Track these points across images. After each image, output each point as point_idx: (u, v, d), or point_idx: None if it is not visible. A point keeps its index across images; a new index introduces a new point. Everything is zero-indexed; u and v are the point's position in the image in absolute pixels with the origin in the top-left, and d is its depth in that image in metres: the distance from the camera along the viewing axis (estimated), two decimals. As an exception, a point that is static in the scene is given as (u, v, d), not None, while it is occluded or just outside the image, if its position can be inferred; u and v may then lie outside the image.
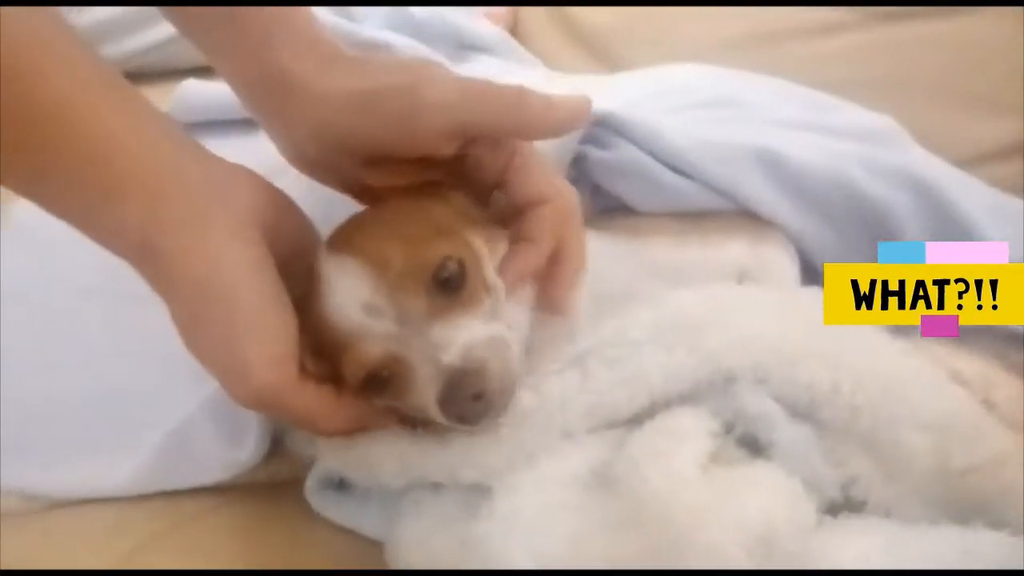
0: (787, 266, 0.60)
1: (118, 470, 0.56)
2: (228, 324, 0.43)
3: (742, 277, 0.59)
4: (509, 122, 0.49)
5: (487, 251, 0.50)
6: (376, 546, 0.49)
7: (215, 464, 0.56)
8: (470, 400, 0.43)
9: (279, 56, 0.49)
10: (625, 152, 0.62)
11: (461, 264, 0.47)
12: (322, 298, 0.47)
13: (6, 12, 0.39)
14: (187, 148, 0.46)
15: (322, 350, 0.47)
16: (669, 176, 0.60)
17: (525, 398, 0.46)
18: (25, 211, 0.70)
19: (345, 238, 0.49)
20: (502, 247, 0.51)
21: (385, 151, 0.49)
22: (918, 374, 0.47)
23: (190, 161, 0.45)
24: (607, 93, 0.82)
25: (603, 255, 0.56)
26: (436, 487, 0.48)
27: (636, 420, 0.46)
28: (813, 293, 0.52)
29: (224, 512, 0.54)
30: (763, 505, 0.38)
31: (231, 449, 0.55)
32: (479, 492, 0.45)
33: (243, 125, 0.78)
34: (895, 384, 0.45)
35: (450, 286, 0.46)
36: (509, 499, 0.42)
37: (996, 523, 0.43)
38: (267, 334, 0.44)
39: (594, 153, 0.62)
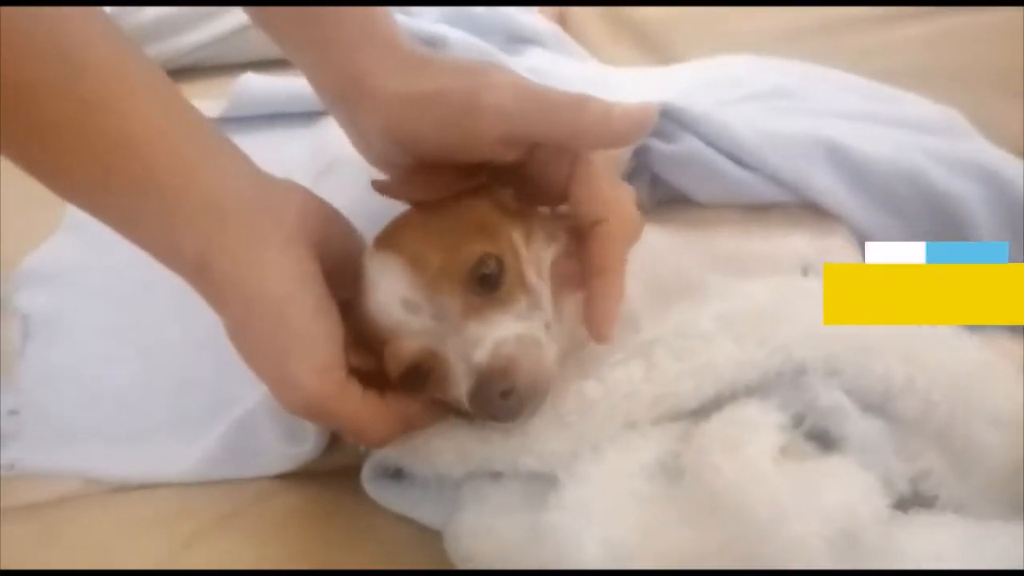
0: (851, 260, 0.59)
1: (182, 458, 0.56)
2: (275, 337, 0.45)
3: (806, 270, 0.58)
4: (567, 130, 0.48)
5: (526, 251, 0.50)
6: (435, 534, 0.49)
7: (276, 456, 0.56)
8: (499, 397, 0.44)
9: (362, 60, 0.50)
10: (688, 144, 0.61)
11: (499, 262, 0.47)
12: (366, 295, 0.48)
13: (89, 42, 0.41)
14: (241, 165, 0.47)
15: (367, 345, 0.48)
16: (732, 168, 0.60)
17: (589, 388, 0.46)
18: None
19: (388, 237, 0.50)
20: (560, 242, 0.52)
21: (446, 155, 0.49)
22: (991, 369, 0.46)
23: (244, 179, 0.46)
24: (662, 84, 0.81)
25: (665, 246, 0.56)
26: (496, 477, 0.47)
27: (702, 412, 0.45)
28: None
29: (285, 498, 0.54)
30: (842, 498, 0.38)
31: (291, 445, 0.56)
32: (541, 482, 0.45)
33: (302, 118, 0.79)
34: (969, 380, 0.44)
35: (487, 284, 0.46)
36: (579, 489, 0.42)
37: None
38: (312, 345, 0.45)
39: (657, 145, 0.62)
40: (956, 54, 0.82)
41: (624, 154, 0.61)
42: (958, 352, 0.46)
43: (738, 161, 0.60)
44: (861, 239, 0.59)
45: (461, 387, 0.45)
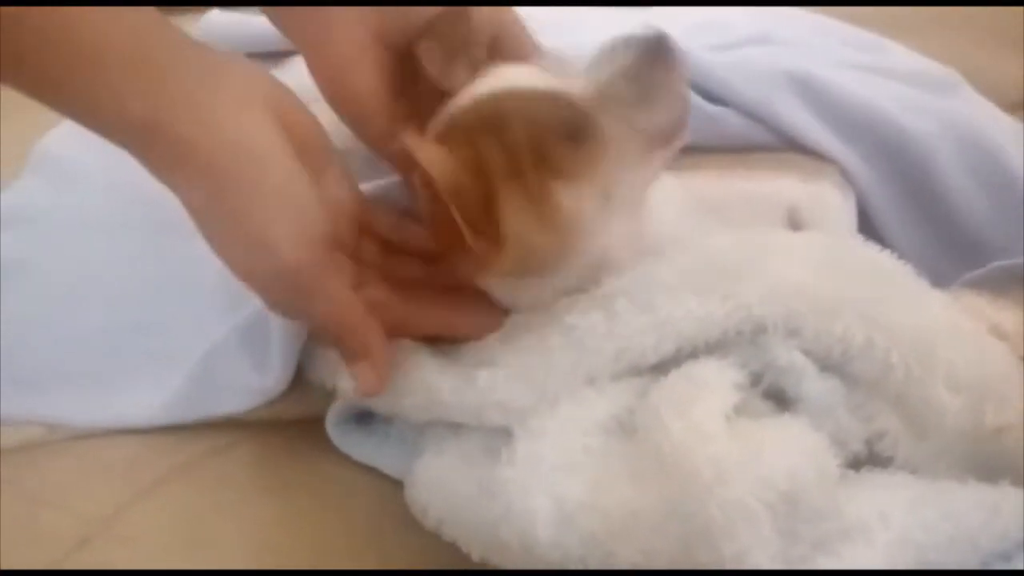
0: (841, 205, 0.58)
1: (148, 401, 0.56)
2: (251, 197, 0.42)
3: (793, 214, 0.57)
4: None
5: None
6: (396, 485, 0.49)
7: (242, 391, 0.55)
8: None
9: None
10: None
11: None
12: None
13: None
14: (179, 32, 0.44)
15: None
16: (702, 102, 0.59)
17: (553, 339, 0.46)
18: (55, 144, 0.70)
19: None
20: None
21: None
22: (956, 330, 0.46)
23: (192, 46, 0.43)
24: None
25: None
26: (457, 427, 0.47)
27: (660, 368, 0.45)
28: (858, 240, 0.52)
29: (245, 446, 0.54)
30: (788, 462, 0.38)
31: (258, 375, 0.55)
32: (501, 436, 0.45)
33: (268, 57, 0.77)
34: (931, 341, 0.44)
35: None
36: (530, 443, 0.41)
37: (1025, 481, 0.43)
38: (296, 211, 0.42)
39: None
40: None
41: None
42: (920, 313, 0.46)
43: (706, 94, 0.59)
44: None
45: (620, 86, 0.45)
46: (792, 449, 0.38)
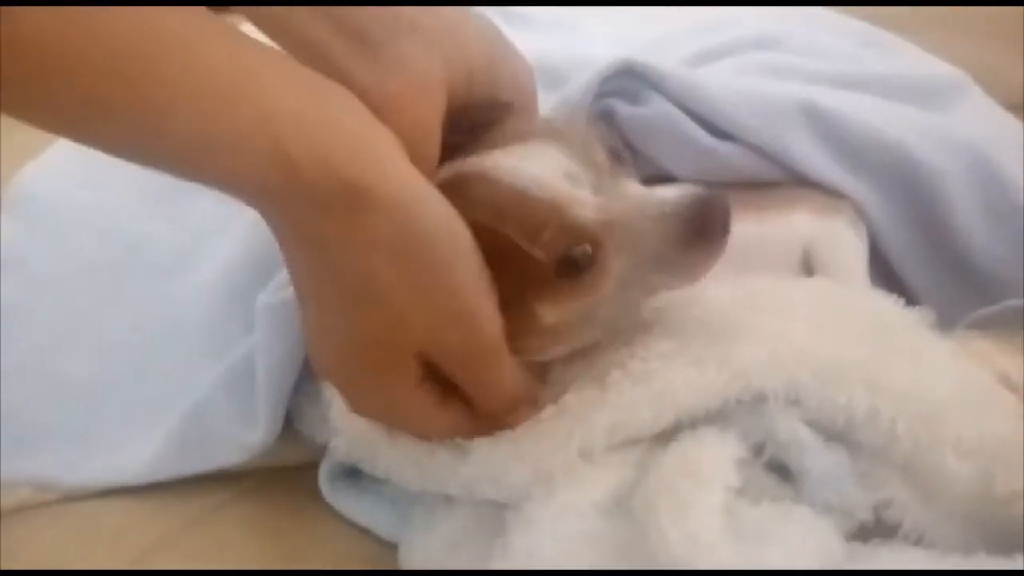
0: (854, 242, 0.55)
1: (134, 456, 0.54)
2: (452, 262, 0.38)
3: (806, 256, 0.55)
4: None
5: None
6: (393, 549, 0.48)
7: (231, 445, 0.54)
8: (722, 212, 0.42)
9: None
10: (655, 107, 0.57)
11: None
12: (501, 188, 0.41)
13: None
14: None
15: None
16: (704, 137, 0.56)
17: (546, 411, 0.44)
18: (30, 181, 0.68)
19: (483, 146, 0.44)
20: None
21: None
22: (965, 391, 0.44)
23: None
24: (638, 28, 0.76)
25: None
26: (450, 499, 0.46)
27: (661, 437, 0.44)
28: (864, 290, 0.50)
29: (237, 508, 0.53)
30: (792, 562, 0.36)
31: (244, 429, 0.54)
32: (495, 508, 0.44)
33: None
34: (939, 407, 0.42)
35: (616, 157, 0.44)
36: (527, 535, 0.40)
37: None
38: (484, 276, 0.40)
39: (622, 109, 0.58)
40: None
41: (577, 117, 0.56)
42: (928, 375, 0.44)
43: (712, 128, 0.56)
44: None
45: (647, 244, 0.41)
46: (796, 549, 0.37)
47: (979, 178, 0.53)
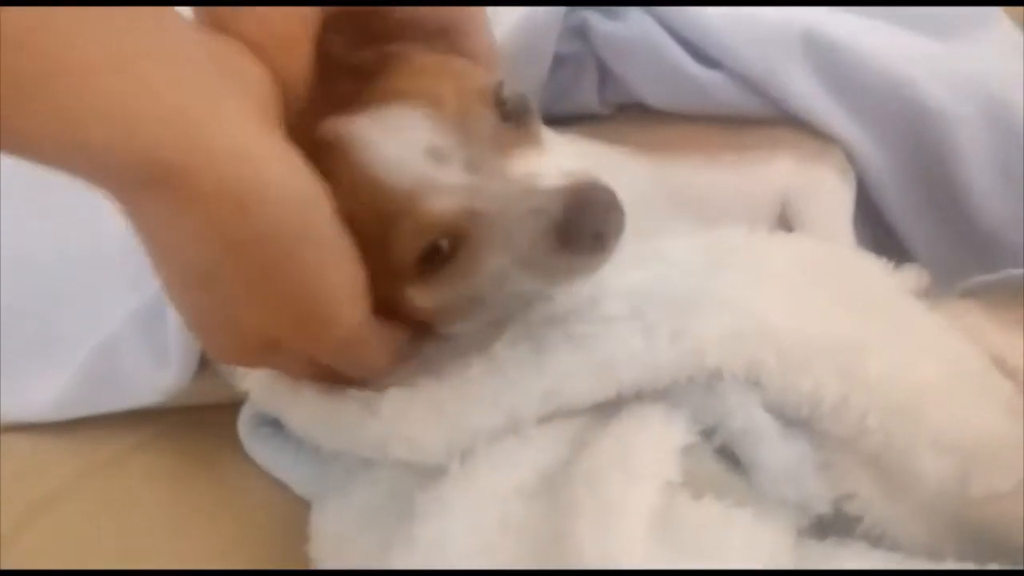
0: (839, 195, 0.50)
1: (41, 392, 0.51)
2: (296, 255, 0.33)
3: (785, 207, 0.49)
4: None
5: None
6: (307, 506, 0.44)
7: (144, 386, 0.50)
8: (588, 223, 0.34)
9: None
10: (636, 24, 0.51)
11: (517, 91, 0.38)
12: (358, 166, 0.36)
13: None
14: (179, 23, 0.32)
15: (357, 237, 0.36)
16: (689, 64, 0.50)
17: (474, 365, 0.39)
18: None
19: (368, 97, 0.37)
20: None
21: None
22: (950, 377, 0.39)
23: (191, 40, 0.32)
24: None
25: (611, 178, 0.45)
26: (367, 462, 0.41)
27: (603, 409, 0.39)
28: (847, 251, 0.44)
29: (149, 451, 0.49)
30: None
31: (158, 369, 0.49)
32: (412, 476, 0.39)
33: None
34: (919, 395, 0.38)
35: (516, 116, 0.37)
36: (437, 522, 0.35)
37: (1013, 554, 0.37)
38: (345, 260, 0.35)
39: (597, 23, 0.51)
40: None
41: (550, 28, 0.50)
42: (909, 361, 0.38)
43: (697, 52, 0.50)
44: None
45: (517, 241, 0.35)
46: (734, 562, 0.33)
47: (994, 128, 0.47)
